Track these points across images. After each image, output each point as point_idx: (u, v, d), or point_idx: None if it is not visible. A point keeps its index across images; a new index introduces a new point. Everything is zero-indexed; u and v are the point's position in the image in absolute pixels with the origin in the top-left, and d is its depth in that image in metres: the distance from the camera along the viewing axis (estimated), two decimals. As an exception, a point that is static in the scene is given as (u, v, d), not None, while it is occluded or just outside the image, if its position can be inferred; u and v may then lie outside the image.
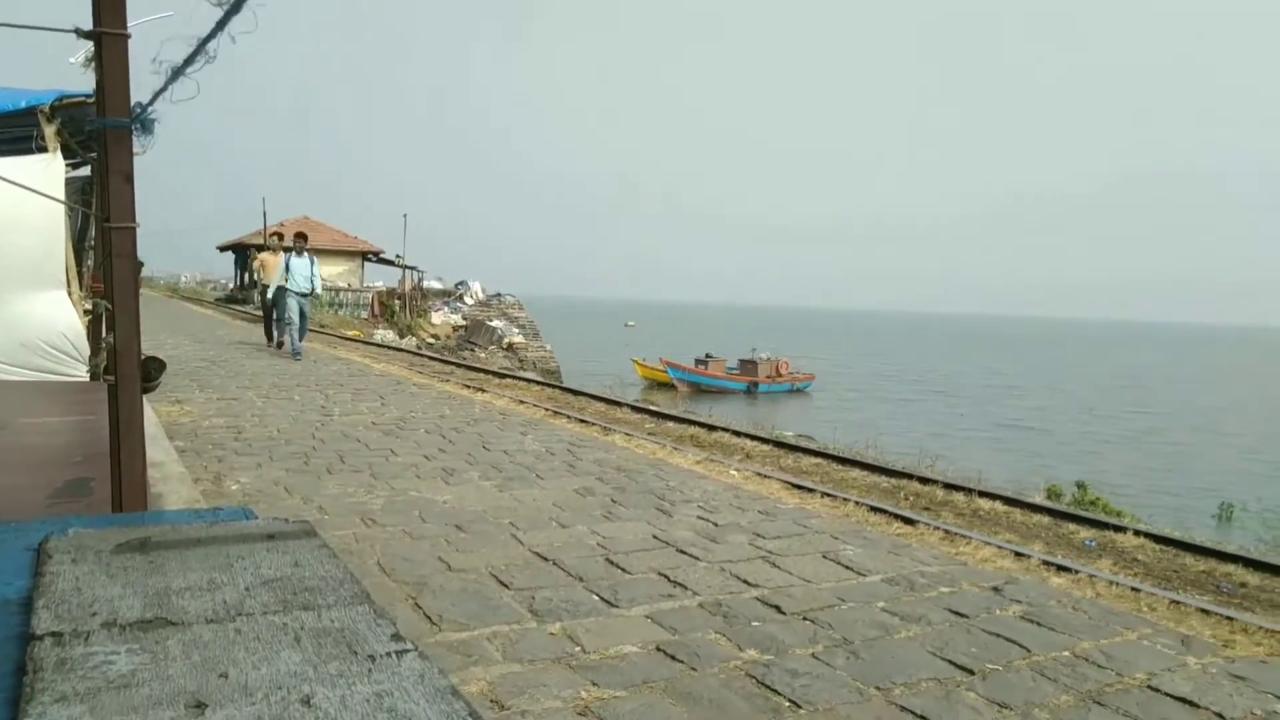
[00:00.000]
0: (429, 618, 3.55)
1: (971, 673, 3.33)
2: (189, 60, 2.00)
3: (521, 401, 11.23)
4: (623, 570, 4.34)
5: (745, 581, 4.27)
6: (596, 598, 3.93)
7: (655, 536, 4.99)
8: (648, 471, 6.92)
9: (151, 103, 2.27)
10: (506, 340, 32.77)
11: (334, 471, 6.29)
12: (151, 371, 2.75)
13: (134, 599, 1.10)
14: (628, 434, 8.89)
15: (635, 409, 11.59)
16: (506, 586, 4.01)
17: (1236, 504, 19.25)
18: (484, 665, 3.12)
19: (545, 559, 4.45)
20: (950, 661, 3.43)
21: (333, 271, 36.70)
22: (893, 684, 3.18)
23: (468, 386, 12.68)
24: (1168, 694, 3.26)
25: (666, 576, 4.27)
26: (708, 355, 41.99)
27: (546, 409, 10.52)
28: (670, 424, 10.42)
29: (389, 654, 0.99)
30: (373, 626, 1.06)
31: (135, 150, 2.45)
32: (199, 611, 1.08)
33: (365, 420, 8.70)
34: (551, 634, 3.47)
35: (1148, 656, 3.63)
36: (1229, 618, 4.25)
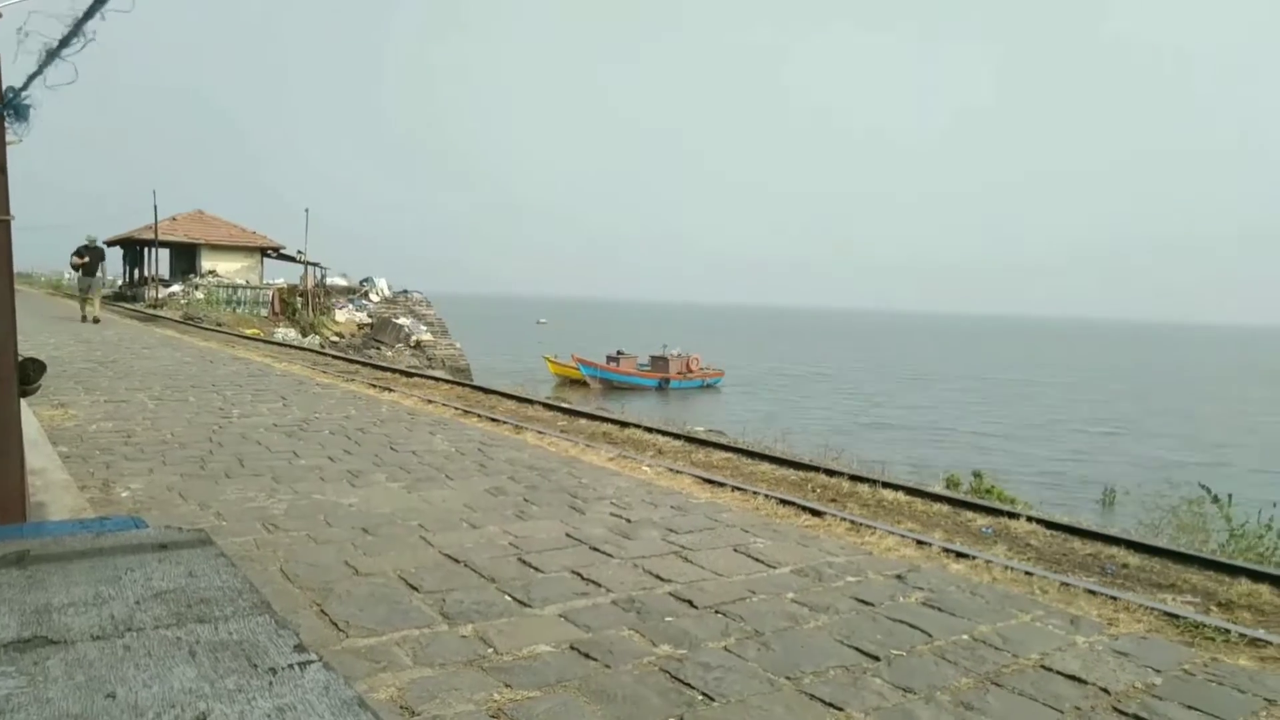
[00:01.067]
0: (335, 624, 3.45)
1: (877, 659, 3.43)
2: (64, 42, 1.88)
3: (430, 400, 11.03)
4: (535, 569, 4.31)
5: (658, 577, 4.29)
6: (509, 598, 3.89)
7: (568, 535, 4.97)
8: (560, 469, 6.88)
9: (25, 87, 2.13)
10: (414, 338, 32.14)
11: (233, 476, 6.05)
12: (30, 374, 2.58)
13: (9, 618, 1.03)
14: (540, 432, 8.83)
15: (547, 406, 11.52)
16: (416, 589, 3.93)
17: (1119, 489, 20.38)
18: (394, 671, 3.05)
19: (456, 560, 4.38)
20: (857, 649, 3.52)
21: (230, 268, 35.29)
22: (802, 673, 3.25)
23: (374, 386, 12.38)
24: (1059, 672, 3.42)
25: (580, 574, 4.26)
26: (619, 352, 42.13)
27: (456, 408, 10.37)
28: (583, 421, 10.39)
29: (291, 666, 0.95)
30: (274, 637, 1.02)
31: (9, 139, 2.30)
32: (83, 628, 1.01)
33: (266, 422, 8.40)
34: (463, 636, 3.42)
35: (1040, 637, 3.81)
36: (1113, 597, 4.49)
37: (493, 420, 9.53)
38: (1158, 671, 3.48)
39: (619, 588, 4.10)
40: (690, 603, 3.95)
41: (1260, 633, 4.08)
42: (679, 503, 5.95)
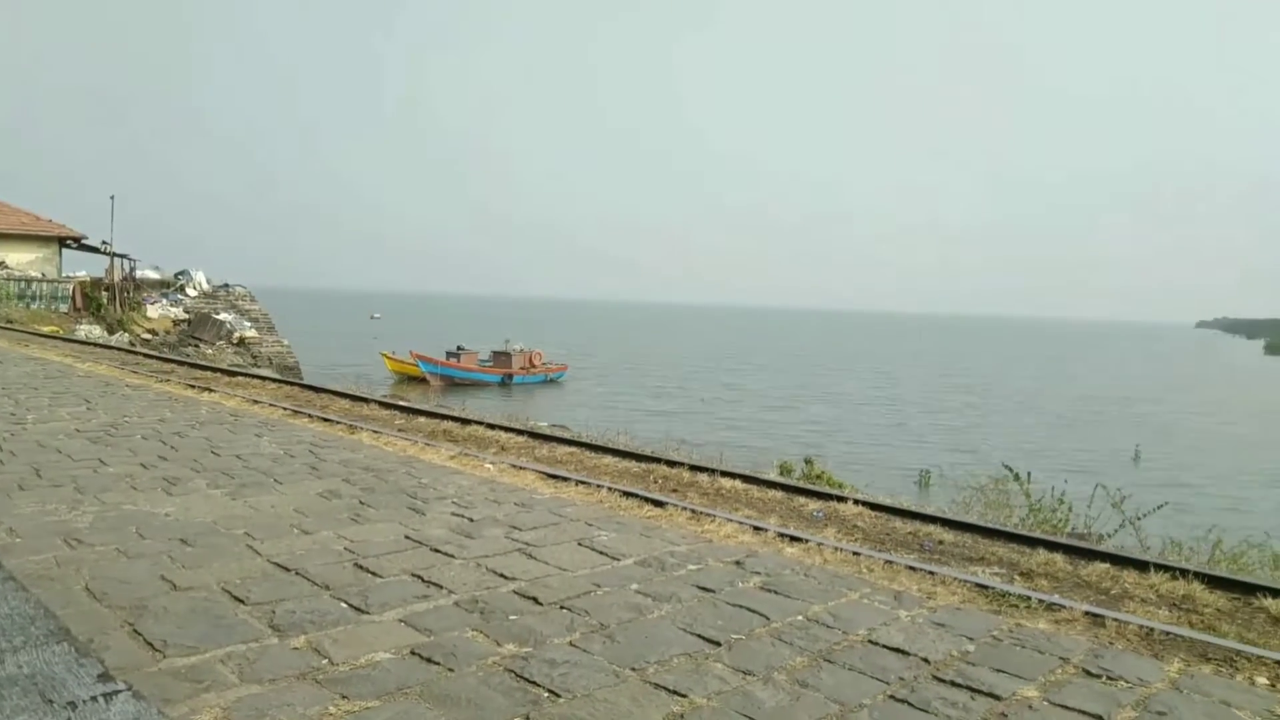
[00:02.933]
0: (150, 645, 3.20)
1: (719, 644, 3.53)
2: None
3: (256, 401, 10.42)
4: (373, 574, 4.15)
5: (502, 575, 4.24)
6: (345, 605, 3.73)
7: (408, 537, 4.82)
8: (398, 470, 6.67)
9: None
10: (237, 335, 30.30)
11: (28, 487, 5.50)
12: None
13: None
14: (376, 431, 8.52)
15: (384, 405, 11.13)
16: (242, 602, 3.70)
17: (933, 470, 21.93)
18: (218, 690, 2.85)
19: (286, 569, 4.16)
20: (699, 636, 3.61)
21: (21, 259, 31.98)
22: (647, 663, 3.29)
23: (192, 386, 11.57)
24: (885, 646, 3.63)
25: (420, 577, 4.14)
26: (460, 348, 41.34)
27: (285, 408, 9.85)
28: (422, 419, 10.12)
29: (94, 698, 0.87)
30: (73, 668, 0.93)
31: None
32: None
33: (67, 427, 7.68)
34: (295, 648, 3.25)
35: (868, 613, 4.03)
36: (931, 572, 4.81)
37: (325, 420, 9.12)
38: (971, 640, 3.76)
39: (462, 589, 4.01)
40: (535, 600, 3.93)
41: (1055, 598, 4.48)
42: (523, 499, 5.90)
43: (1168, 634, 4.04)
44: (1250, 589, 4.85)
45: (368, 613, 3.66)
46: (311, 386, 12.97)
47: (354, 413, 10.10)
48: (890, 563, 4.94)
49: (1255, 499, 23.52)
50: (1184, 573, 5.03)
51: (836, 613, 4.01)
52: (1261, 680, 3.55)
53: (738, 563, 4.70)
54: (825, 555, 5.03)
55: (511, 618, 3.69)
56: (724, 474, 7.39)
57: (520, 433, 9.29)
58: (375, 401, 11.40)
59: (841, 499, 6.75)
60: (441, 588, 4.01)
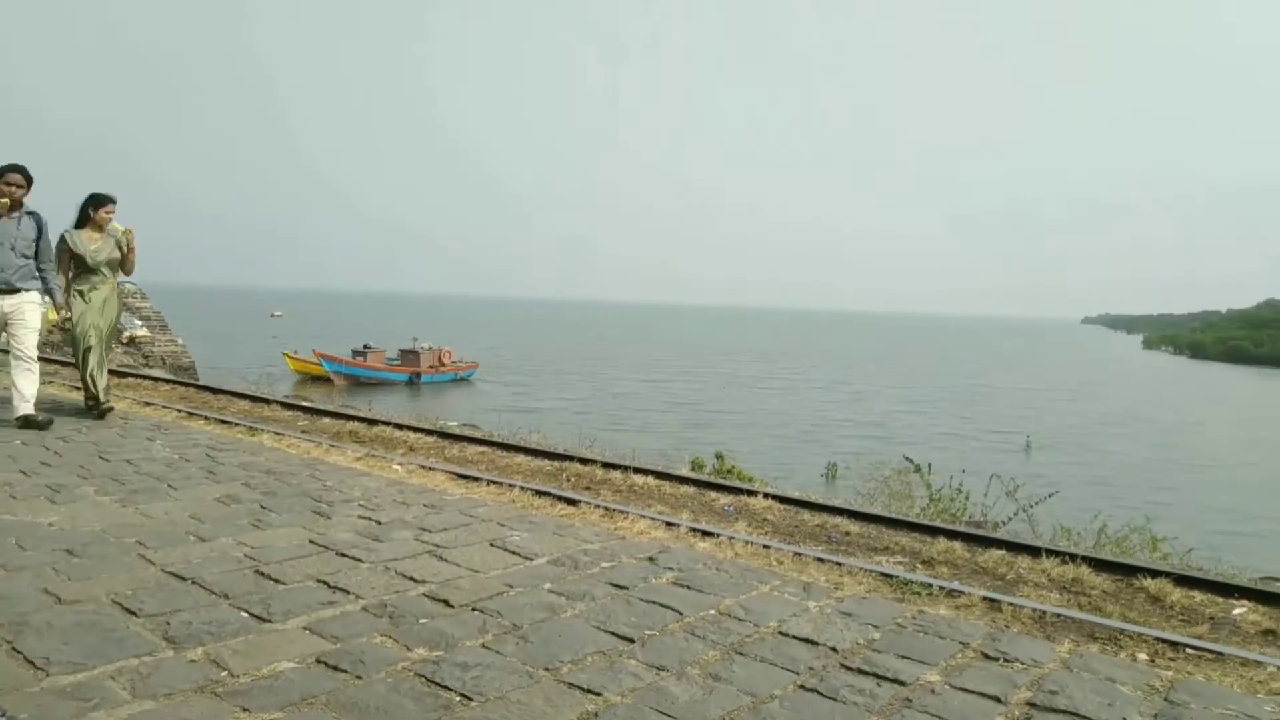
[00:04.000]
0: (32, 663, 3.01)
1: (632, 641, 3.53)
2: None
3: (148, 403, 9.96)
4: (275, 581, 4.01)
5: (411, 579, 4.15)
6: (245, 614, 3.59)
7: (312, 541, 4.68)
8: (302, 472, 6.47)
9: None
10: (126, 334, 28.87)
11: (-109, 499, 5.12)
12: None
13: None
14: (278, 433, 8.24)
15: (286, 405, 10.78)
16: (134, 614, 3.52)
17: (840, 463, 22.51)
18: (107, 709, 2.71)
19: (182, 578, 3.97)
20: (613, 633, 3.61)
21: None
22: (561, 663, 3.27)
23: (77, 388, 10.97)
24: (794, 636, 3.70)
25: (326, 583, 4.02)
26: (366, 346, 40.40)
27: (180, 410, 9.43)
28: (326, 420, 9.84)
29: (-34, 726, 0.80)
30: (-58, 694, 0.86)
31: None
32: None
33: (-64, 434, 7.18)
34: (192, 660, 3.11)
35: (778, 605, 4.10)
36: (838, 563, 4.94)
37: (223, 423, 8.77)
38: (876, 628, 3.87)
39: (369, 593, 3.91)
40: (446, 602, 3.86)
41: (955, 584, 4.66)
42: (433, 500, 5.79)
43: (1059, 616, 4.24)
44: (1132, 570, 5.14)
45: (270, 621, 3.53)
46: (208, 387, 12.47)
47: (254, 414, 9.76)
48: (799, 555, 5.04)
49: (1132, 484, 24.94)
50: (1073, 557, 5.29)
51: (748, 605, 4.07)
52: (1143, 656, 3.77)
53: (651, 559, 4.72)
54: (736, 549, 5.10)
55: (422, 621, 3.62)
56: (636, 470, 7.43)
57: (429, 432, 9.14)
58: (277, 402, 11.03)
59: (751, 493, 6.86)
60: (348, 593, 3.90)
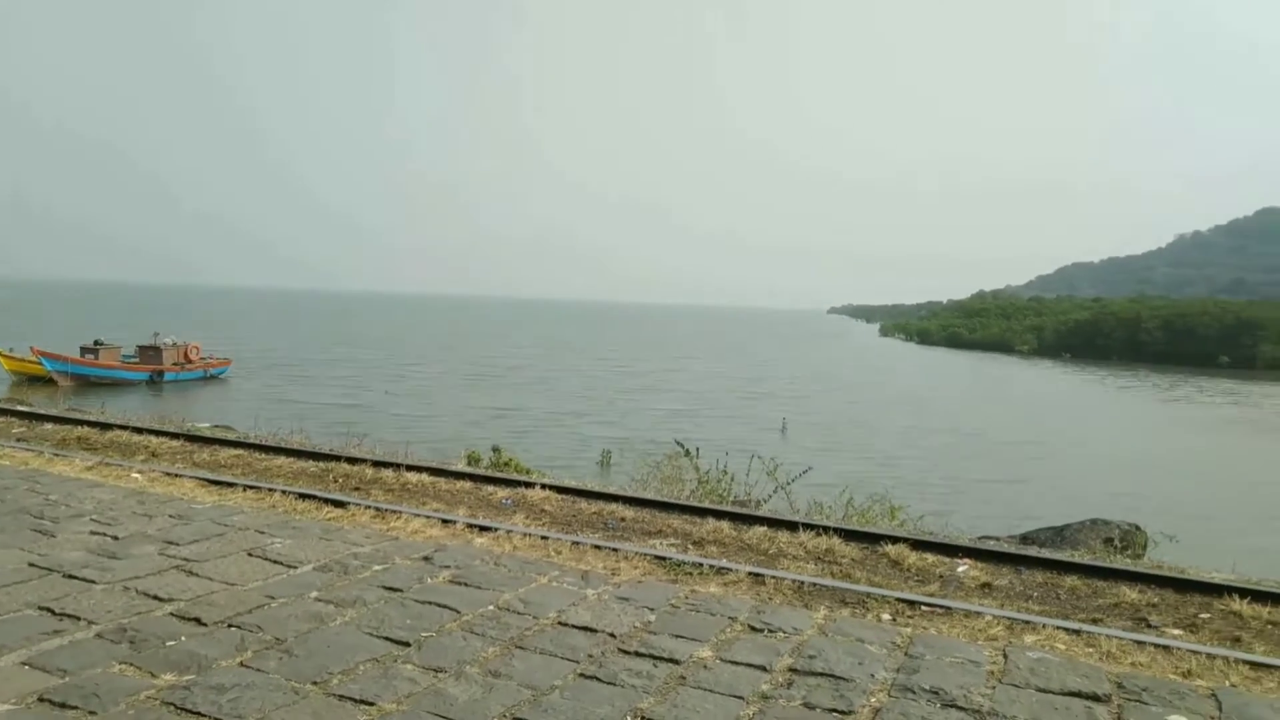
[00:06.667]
0: None
1: (408, 645, 3.42)
2: None
3: None
4: (-15, 613, 3.50)
5: (156, 598, 3.77)
6: (-54, 655, 3.10)
7: (33, 564, 4.13)
8: (19, 486, 5.70)
9: None
10: None
11: None
12: None
13: None
14: (-14, 443, 7.20)
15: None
16: None
17: (613, 450, 23.03)
18: None
19: None
20: (387, 638, 3.47)
21: None
22: (330, 674, 3.10)
23: None
24: (574, 626, 3.74)
25: (51, 610, 3.57)
26: (98, 342, 36.19)
27: None
28: (49, 425, 8.73)
29: None
30: None
31: None
32: None
33: None
34: (-126, 716, 2.65)
35: (557, 596, 4.12)
36: (614, 549, 5.04)
37: (-87, 433, 7.54)
38: (652, 610, 3.99)
39: (105, 618, 3.51)
40: (198, 620, 3.54)
41: (724, 562, 4.90)
42: (180, 510, 5.30)
43: (815, 585, 4.58)
44: (875, 539, 5.65)
45: (-21, 660, 3.08)
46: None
47: (-46, 422, 8.46)
48: (577, 544, 5.09)
49: (876, 455, 27.44)
50: (826, 529, 5.72)
51: (527, 598, 4.05)
52: (886, 616, 4.15)
53: (426, 558, 4.59)
54: (515, 542, 5.07)
55: (169, 644, 3.30)
56: (410, 468, 7.19)
57: (175, 436, 8.35)
58: (-16, 407, 9.63)
59: (529, 485, 6.85)
60: (79, 619, 3.48)
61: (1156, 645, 3.81)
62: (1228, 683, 3.44)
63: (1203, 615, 4.36)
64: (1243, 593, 4.57)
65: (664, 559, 4.87)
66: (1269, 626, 4.22)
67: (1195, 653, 3.72)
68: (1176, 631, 4.13)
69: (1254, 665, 3.62)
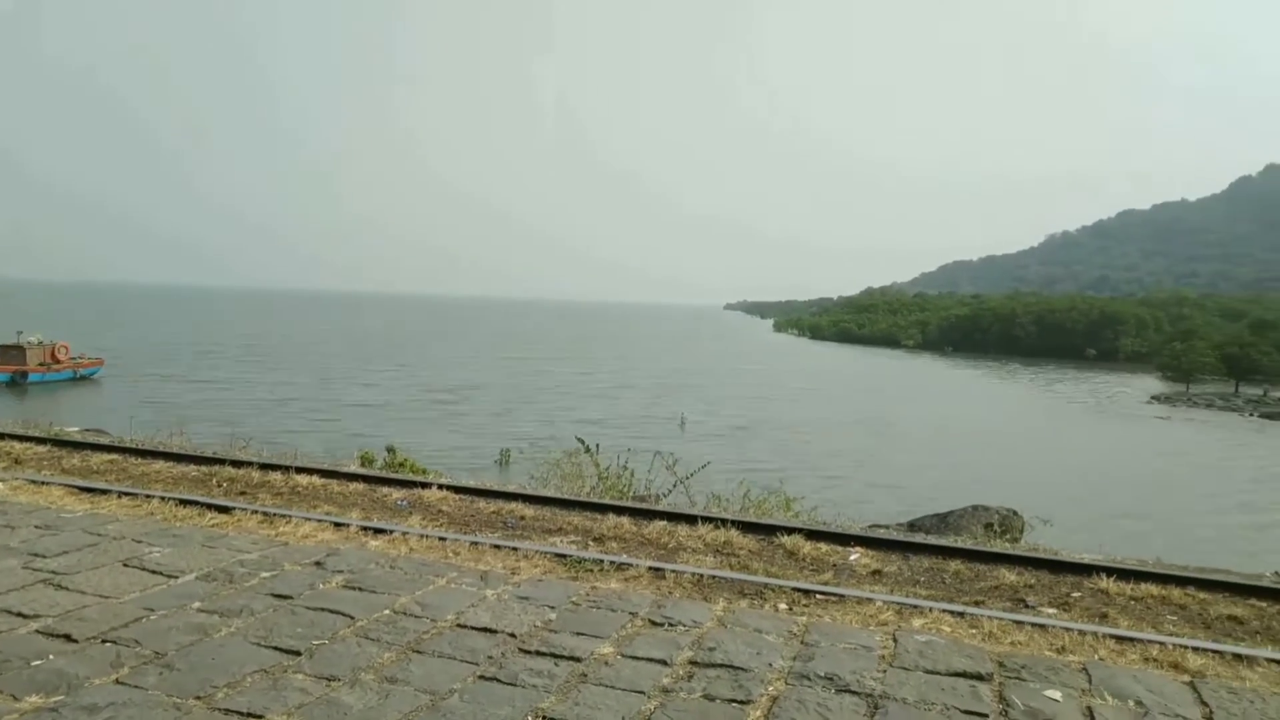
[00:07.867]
0: None
1: (298, 654, 3.30)
2: None
3: None
4: None
5: (20, 614, 3.53)
6: None
7: (-125, 584, 3.80)
8: None
9: None
10: None
11: None
12: None
13: None
14: None
15: None
16: None
17: (512, 449, 22.84)
18: None
19: None
20: (276, 648, 3.34)
21: None
22: (215, 688, 2.97)
23: None
24: (473, 627, 3.68)
25: (-104, 633, 3.29)
26: (-50, 341, 33.64)
27: None
28: (-107, 432, 8.04)
29: None
30: None
31: None
32: None
33: None
34: None
35: (455, 598, 4.05)
36: (514, 548, 4.99)
37: None
38: (553, 608, 3.96)
39: (-39, 639, 3.26)
40: (68, 637, 3.33)
41: (624, 558, 4.91)
42: (47, 520, 4.97)
43: (714, 577, 4.64)
44: (772, 530, 5.76)
45: None
46: None
47: None
48: (476, 544, 5.02)
49: (771, 447, 28.07)
50: (724, 522, 5.81)
51: (424, 601, 3.97)
52: (783, 606, 4.24)
53: (318, 563, 4.44)
54: (411, 544, 4.96)
55: (35, 664, 3.09)
56: (300, 470, 6.94)
57: (41, 441, 7.83)
58: None
59: (426, 485, 6.71)
60: (-70, 642, 3.22)
61: (1033, 624, 4.02)
62: (1097, 656, 3.65)
63: (1074, 594, 4.62)
64: (1109, 571, 4.88)
65: (564, 556, 4.85)
66: (1132, 602, 4.51)
67: (1068, 630, 3.95)
68: (1051, 610, 4.37)
69: (1119, 639, 3.87)
